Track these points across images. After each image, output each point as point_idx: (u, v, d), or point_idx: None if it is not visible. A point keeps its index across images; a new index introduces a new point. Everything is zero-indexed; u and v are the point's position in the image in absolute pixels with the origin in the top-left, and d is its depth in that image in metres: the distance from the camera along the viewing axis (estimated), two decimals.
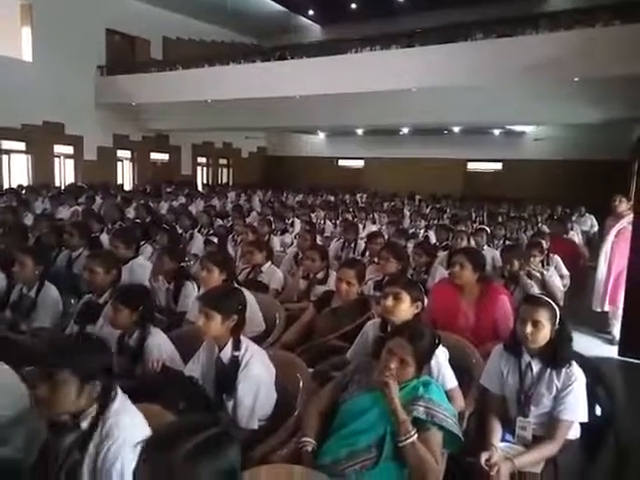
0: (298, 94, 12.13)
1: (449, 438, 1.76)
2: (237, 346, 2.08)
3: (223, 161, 20.66)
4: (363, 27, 15.12)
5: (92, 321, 2.77)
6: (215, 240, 5.72)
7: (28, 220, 6.61)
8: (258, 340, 2.61)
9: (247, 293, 2.62)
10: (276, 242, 6.03)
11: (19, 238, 4.57)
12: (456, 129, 16.53)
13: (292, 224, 7.47)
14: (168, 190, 12.24)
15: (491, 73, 9.76)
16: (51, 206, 8.42)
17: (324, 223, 7.80)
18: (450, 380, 2.13)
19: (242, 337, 2.13)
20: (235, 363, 2.05)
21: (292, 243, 6.43)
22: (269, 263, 4.13)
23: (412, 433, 1.68)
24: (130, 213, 8.05)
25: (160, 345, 2.30)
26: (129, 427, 1.43)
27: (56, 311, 3.10)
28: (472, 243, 5.17)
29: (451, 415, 1.77)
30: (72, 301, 3.23)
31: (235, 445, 1.00)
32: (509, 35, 9.96)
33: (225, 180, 20.59)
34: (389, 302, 2.31)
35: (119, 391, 1.51)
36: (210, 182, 19.34)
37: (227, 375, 2.04)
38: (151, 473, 0.94)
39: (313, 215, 8.46)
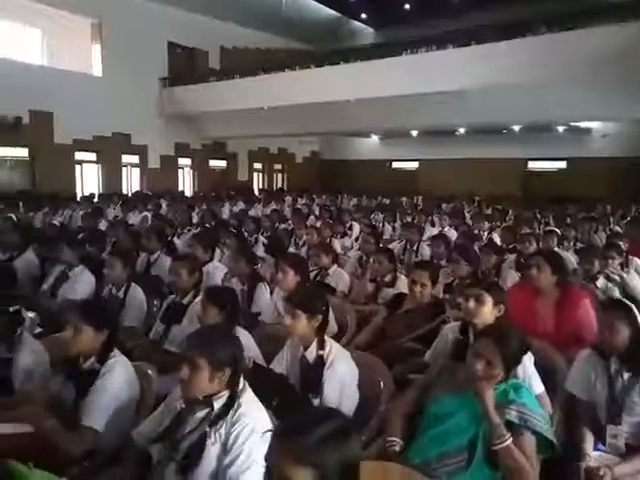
0: (352, 98, 12.18)
1: (543, 443, 1.73)
2: (322, 345, 2.14)
3: (278, 166, 21.06)
4: (418, 28, 14.97)
5: (177, 321, 2.93)
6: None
7: (102, 226, 7.04)
8: None
9: None
10: (337, 245, 6.08)
11: (99, 243, 4.90)
12: (516, 127, 15.99)
13: (350, 227, 7.52)
14: (229, 195, 12.63)
15: (554, 68, 9.39)
16: (122, 212, 8.90)
17: (383, 226, 7.78)
18: (537, 385, 2.09)
19: (326, 337, 2.19)
20: (320, 362, 2.10)
21: (352, 246, 6.47)
22: (335, 266, 4.18)
23: (507, 437, 1.66)
24: (194, 218, 8.38)
25: (246, 344, 2.39)
26: (259, 418, 1.58)
27: (142, 311, 3.29)
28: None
29: (545, 420, 1.74)
30: (155, 302, 3.42)
31: (357, 438, 1.05)
32: (572, 28, 9.56)
33: (280, 185, 20.97)
34: (471, 305, 2.29)
35: (246, 384, 1.64)
36: (266, 187, 19.76)
37: (313, 374, 2.10)
38: (281, 462, 1.00)
39: (372, 218, 8.46)
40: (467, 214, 9.12)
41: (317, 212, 9.94)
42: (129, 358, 2.24)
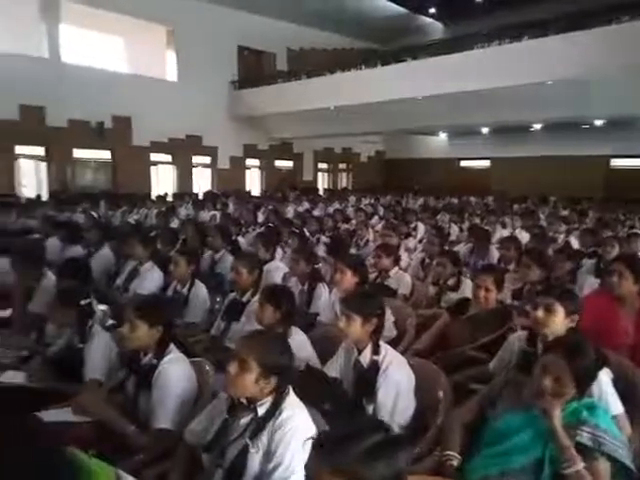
0: (419, 95, 11.92)
1: (619, 470, 1.56)
2: (376, 350, 2.08)
3: (342, 166, 21.07)
4: (489, 21, 14.35)
5: (236, 318, 2.98)
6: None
7: (174, 224, 7.36)
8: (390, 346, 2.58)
9: None
10: (400, 247, 5.94)
11: (170, 240, 5.11)
12: (598, 122, 14.88)
13: (415, 228, 7.33)
14: (294, 195, 12.80)
15: None
16: (193, 211, 9.28)
17: (449, 227, 7.52)
18: (615, 405, 1.89)
19: (381, 342, 2.12)
20: (375, 367, 2.04)
21: (416, 248, 6.31)
22: (396, 268, 4.08)
23: (577, 461, 1.52)
24: (260, 218, 8.56)
25: (301, 344, 2.38)
26: (302, 424, 1.56)
27: (204, 308, 3.38)
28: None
29: (622, 444, 1.57)
30: (217, 299, 3.50)
31: (404, 451, 0.99)
32: None
33: (344, 184, 20.97)
34: (540, 314, 2.13)
35: (290, 388, 1.63)
36: (330, 187, 19.84)
37: (366, 379, 2.04)
38: (319, 471, 0.97)
39: (438, 219, 8.21)
40: (541, 215, 8.61)
41: (381, 212, 9.82)
42: (190, 353, 2.30)
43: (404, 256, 5.24)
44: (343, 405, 1.91)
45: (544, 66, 9.62)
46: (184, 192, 13.46)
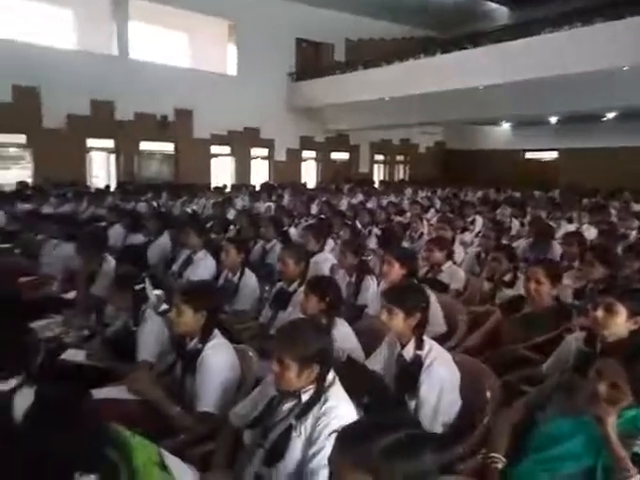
0: (481, 84, 11.45)
1: None
2: (420, 345, 2.03)
3: (400, 157, 20.72)
4: (558, 4, 13.50)
5: (283, 307, 3.01)
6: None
7: (230, 215, 7.55)
8: (438, 342, 2.50)
9: (428, 292, 2.54)
10: (455, 240, 5.77)
11: (222, 229, 5.27)
12: None
13: (473, 222, 7.10)
14: (347, 188, 12.75)
15: None
16: (249, 202, 9.48)
17: (510, 221, 7.20)
18: None
19: (425, 337, 2.06)
20: (418, 362, 1.99)
21: (472, 242, 6.10)
22: (450, 262, 3.96)
23: (632, 473, 1.40)
24: (313, 209, 8.60)
25: (345, 336, 2.37)
26: (346, 416, 1.55)
27: (254, 296, 3.45)
28: None
29: None
30: (266, 288, 3.56)
31: (432, 450, 0.95)
32: None
33: (402, 177, 20.63)
34: (599, 314, 1.98)
35: (336, 378, 1.65)
36: (386, 179, 19.59)
37: (409, 374, 1.99)
38: (340, 464, 0.95)
39: (497, 212, 7.89)
40: (612, 211, 8.05)
41: (438, 205, 9.58)
42: (235, 340, 2.35)
43: (459, 250, 5.09)
44: (383, 399, 1.88)
45: (618, 51, 8.94)
46: (242, 184, 13.76)
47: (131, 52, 13.60)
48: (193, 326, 2.11)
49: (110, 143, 13.67)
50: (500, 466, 1.69)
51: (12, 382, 1.32)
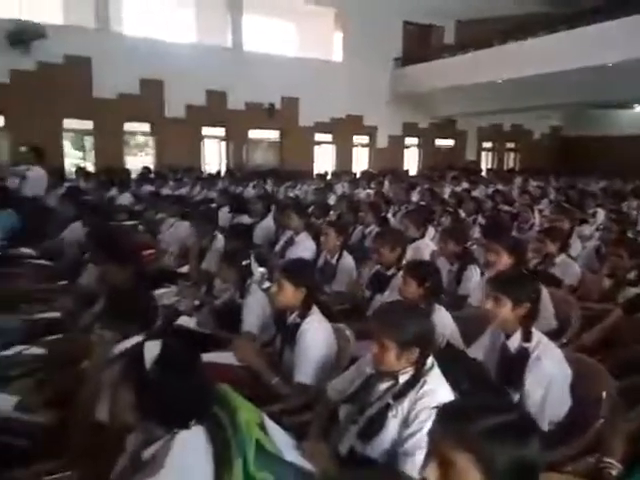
0: (610, 62, 10.29)
1: None
2: (527, 337, 1.91)
3: (510, 144, 19.45)
4: None
5: (380, 290, 3.01)
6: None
7: (331, 200, 7.66)
8: (549, 338, 2.35)
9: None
10: (573, 233, 5.31)
11: (323, 214, 5.39)
12: None
13: (594, 214, 6.50)
14: (451, 176, 12.29)
15: None
16: (349, 189, 9.54)
17: (637, 214, 6.47)
18: None
19: (534, 330, 1.93)
20: (524, 355, 1.88)
21: (592, 236, 5.59)
22: (563, 255, 3.67)
23: None
24: (414, 196, 8.42)
25: (444, 322, 2.31)
26: (444, 399, 1.50)
27: (351, 278, 3.49)
28: None
29: None
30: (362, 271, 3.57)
31: (537, 438, 0.90)
32: None
33: (512, 165, 19.37)
34: None
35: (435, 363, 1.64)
36: (494, 167, 18.51)
37: (513, 366, 1.89)
38: (441, 441, 0.92)
39: (624, 205, 7.14)
40: None
41: (552, 195, 8.88)
42: (335, 319, 2.39)
43: (576, 244, 4.70)
44: (482, 387, 1.80)
45: None
46: (343, 170, 13.86)
47: (244, 44, 14.26)
48: (293, 301, 2.18)
49: (221, 132, 14.50)
50: (614, 473, 1.55)
51: (142, 336, 1.49)
